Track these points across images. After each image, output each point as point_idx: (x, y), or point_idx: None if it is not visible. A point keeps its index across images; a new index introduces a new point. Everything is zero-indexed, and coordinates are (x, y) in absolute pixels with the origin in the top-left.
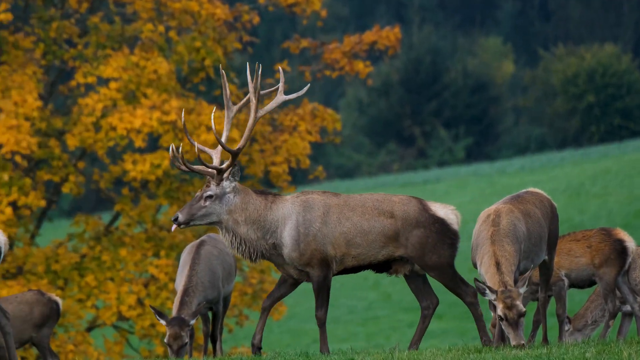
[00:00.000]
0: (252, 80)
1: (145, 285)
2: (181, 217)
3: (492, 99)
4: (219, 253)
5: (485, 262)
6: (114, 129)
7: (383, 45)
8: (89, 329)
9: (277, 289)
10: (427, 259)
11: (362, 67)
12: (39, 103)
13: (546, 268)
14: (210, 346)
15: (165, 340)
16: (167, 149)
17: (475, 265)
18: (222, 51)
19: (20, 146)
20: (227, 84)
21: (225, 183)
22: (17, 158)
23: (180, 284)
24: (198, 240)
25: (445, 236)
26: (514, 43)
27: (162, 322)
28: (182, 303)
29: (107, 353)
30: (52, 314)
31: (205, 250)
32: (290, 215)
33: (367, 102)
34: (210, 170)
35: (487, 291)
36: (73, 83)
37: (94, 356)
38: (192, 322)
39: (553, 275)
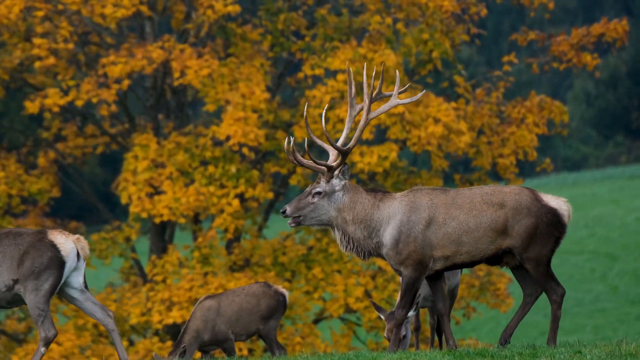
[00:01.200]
0: (367, 82)
1: (373, 277)
2: (289, 210)
3: None
4: None
5: None
6: (341, 120)
7: (611, 37)
8: (316, 321)
9: (438, 291)
10: (530, 250)
11: (589, 59)
12: (267, 95)
13: None
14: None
15: (384, 334)
16: (395, 142)
17: None
18: (449, 43)
19: (248, 138)
20: (352, 82)
21: (334, 181)
22: (245, 150)
23: None
24: None
25: (554, 228)
26: None
27: (381, 315)
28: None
29: (334, 345)
30: (278, 307)
31: None
32: (395, 214)
33: (595, 94)
34: (319, 166)
35: None
36: (300, 75)
37: (321, 348)
38: (411, 314)
39: None
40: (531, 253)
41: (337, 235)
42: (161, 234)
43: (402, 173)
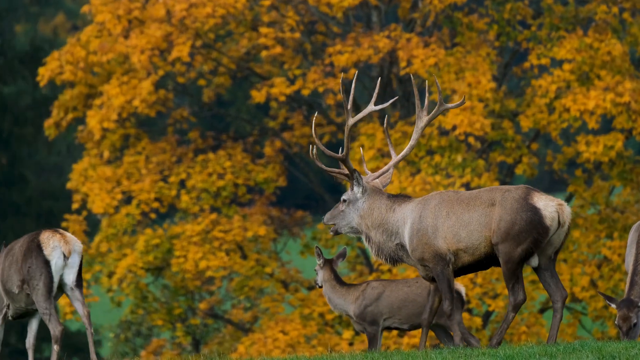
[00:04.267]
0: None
1: (598, 267)
2: (325, 218)
3: None
4: None
5: None
6: (567, 110)
7: None
8: (542, 311)
9: (429, 301)
10: (504, 244)
11: None
12: (493, 84)
13: None
14: None
15: (615, 322)
16: (621, 131)
17: None
18: None
19: (474, 128)
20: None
21: (355, 188)
22: (470, 139)
23: (629, 264)
24: None
25: (533, 228)
26: None
27: (612, 305)
28: (632, 284)
29: (559, 335)
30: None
31: None
32: (410, 214)
33: None
34: (340, 175)
35: None
36: (526, 64)
37: (546, 338)
38: None
39: None
40: (504, 247)
41: (364, 241)
42: None
43: (628, 162)
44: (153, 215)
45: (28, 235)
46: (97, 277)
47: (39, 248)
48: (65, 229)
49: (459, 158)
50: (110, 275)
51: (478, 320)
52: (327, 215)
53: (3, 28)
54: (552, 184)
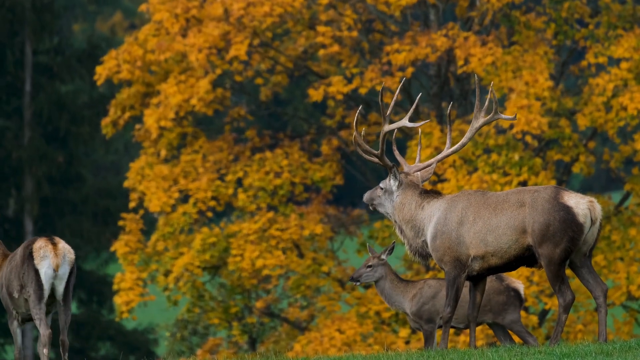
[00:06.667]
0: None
1: None
2: (365, 196)
3: None
4: None
5: None
6: (624, 108)
7: None
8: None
9: (470, 297)
10: (543, 247)
11: None
12: (550, 83)
13: None
14: None
15: None
16: None
17: None
18: None
19: (531, 126)
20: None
21: (391, 181)
22: (528, 138)
23: None
24: None
25: (567, 227)
26: None
27: None
28: None
29: (615, 333)
30: (510, 302)
31: None
32: (435, 213)
33: None
34: (381, 163)
35: None
36: (584, 63)
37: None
38: None
39: None
40: (544, 250)
41: (398, 233)
42: None
43: None
44: (210, 214)
45: (27, 241)
46: (153, 276)
47: (30, 256)
48: (122, 228)
49: (516, 156)
50: (166, 274)
51: (534, 319)
52: (367, 195)
53: (61, 26)
54: (608, 183)
